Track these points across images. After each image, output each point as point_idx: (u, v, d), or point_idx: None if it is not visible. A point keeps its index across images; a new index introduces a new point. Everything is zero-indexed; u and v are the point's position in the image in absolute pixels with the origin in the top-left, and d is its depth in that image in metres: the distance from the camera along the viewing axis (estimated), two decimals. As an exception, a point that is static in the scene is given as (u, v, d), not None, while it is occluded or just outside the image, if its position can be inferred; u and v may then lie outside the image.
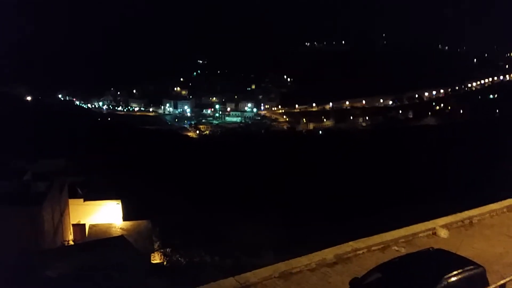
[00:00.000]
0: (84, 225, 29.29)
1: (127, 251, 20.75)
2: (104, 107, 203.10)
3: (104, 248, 20.55)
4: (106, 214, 29.17)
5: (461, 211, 14.44)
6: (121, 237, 23.63)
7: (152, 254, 25.98)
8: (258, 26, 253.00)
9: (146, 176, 51.97)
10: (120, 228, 27.88)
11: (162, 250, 27.30)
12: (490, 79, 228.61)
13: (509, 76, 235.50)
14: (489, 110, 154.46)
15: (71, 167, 33.96)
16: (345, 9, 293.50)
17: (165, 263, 25.96)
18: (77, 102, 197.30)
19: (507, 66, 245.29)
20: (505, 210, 14.64)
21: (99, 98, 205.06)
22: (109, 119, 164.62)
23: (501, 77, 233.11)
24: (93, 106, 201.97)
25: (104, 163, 49.43)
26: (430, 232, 13.10)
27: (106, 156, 57.29)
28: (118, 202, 29.64)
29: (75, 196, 29.99)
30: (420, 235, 12.96)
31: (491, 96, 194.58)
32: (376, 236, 12.68)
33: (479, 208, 14.73)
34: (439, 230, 12.87)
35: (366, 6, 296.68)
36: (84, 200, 29.82)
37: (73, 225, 29.69)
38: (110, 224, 28.43)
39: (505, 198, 15.38)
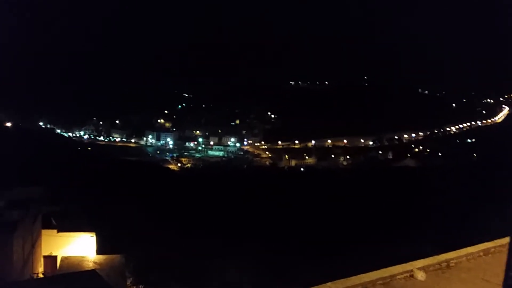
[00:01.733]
0: (56, 257, 28.31)
1: (98, 286, 20.02)
2: (85, 136, 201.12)
3: (74, 282, 19.80)
4: (79, 247, 28.33)
5: (438, 253, 14.44)
6: (92, 271, 22.85)
7: (125, 290, 25.17)
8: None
9: (125, 208, 50.92)
10: (93, 262, 27.04)
11: (135, 287, 26.50)
12: (468, 123, 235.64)
13: (486, 121, 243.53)
14: (467, 154, 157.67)
15: (48, 196, 33.14)
16: (331, 49, 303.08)
17: (137, 300, 25.17)
18: (58, 130, 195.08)
19: (484, 112, 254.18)
20: (481, 253, 14.67)
21: (80, 127, 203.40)
22: (89, 148, 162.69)
23: (479, 122, 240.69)
24: (74, 135, 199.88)
25: (82, 193, 48.42)
26: (408, 274, 12.99)
27: (85, 186, 56.20)
28: (92, 235, 28.87)
29: (49, 226, 29.12)
30: (398, 277, 12.84)
31: (468, 140, 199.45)
32: (354, 277, 12.52)
33: (456, 251, 14.74)
34: (417, 273, 12.78)
35: (351, 48, 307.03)
36: (58, 231, 28.94)
37: (45, 257, 28.68)
38: (83, 257, 27.58)
39: (481, 242, 15.47)
